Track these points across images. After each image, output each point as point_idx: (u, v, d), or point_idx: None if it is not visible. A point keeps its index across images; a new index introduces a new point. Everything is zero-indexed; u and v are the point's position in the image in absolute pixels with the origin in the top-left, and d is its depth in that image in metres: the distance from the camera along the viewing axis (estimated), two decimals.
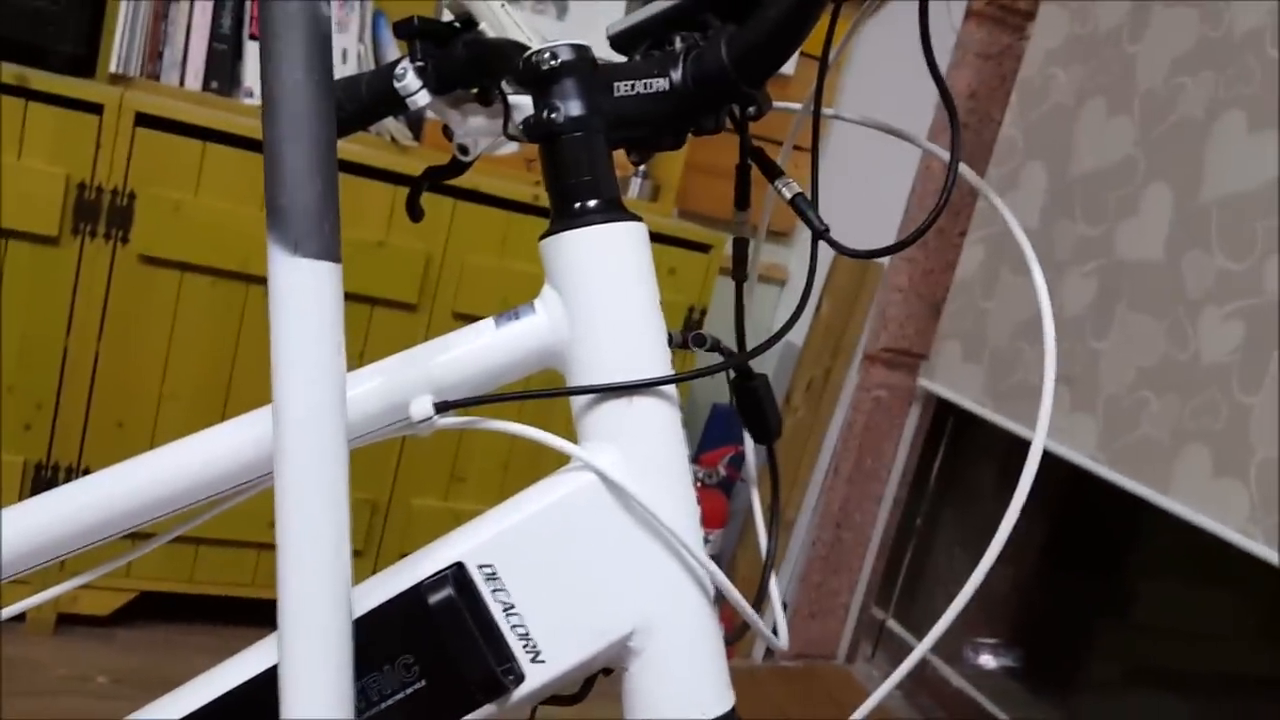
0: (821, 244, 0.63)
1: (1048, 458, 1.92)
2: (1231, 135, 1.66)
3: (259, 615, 1.93)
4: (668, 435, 0.57)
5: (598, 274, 0.57)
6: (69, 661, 1.75)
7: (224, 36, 1.80)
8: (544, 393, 0.58)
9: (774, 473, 0.70)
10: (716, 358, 0.63)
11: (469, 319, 1.91)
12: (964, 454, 2.30)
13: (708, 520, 2.33)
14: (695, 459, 2.47)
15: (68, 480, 1.73)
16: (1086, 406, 1.82)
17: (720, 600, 0.58)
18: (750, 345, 0.65)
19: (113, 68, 1.70)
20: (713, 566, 0.56)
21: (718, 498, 2.44)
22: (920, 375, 2.26)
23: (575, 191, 0.58)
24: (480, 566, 0.54)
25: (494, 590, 0.54)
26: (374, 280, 1.81)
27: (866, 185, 2.21)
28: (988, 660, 2.23)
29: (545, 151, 0.59)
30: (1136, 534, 2.01)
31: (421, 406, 0.56)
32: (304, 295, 0.45)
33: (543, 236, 0.59)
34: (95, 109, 1.61)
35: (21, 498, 1.70)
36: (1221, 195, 1.67)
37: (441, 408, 0.57)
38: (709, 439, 2.51)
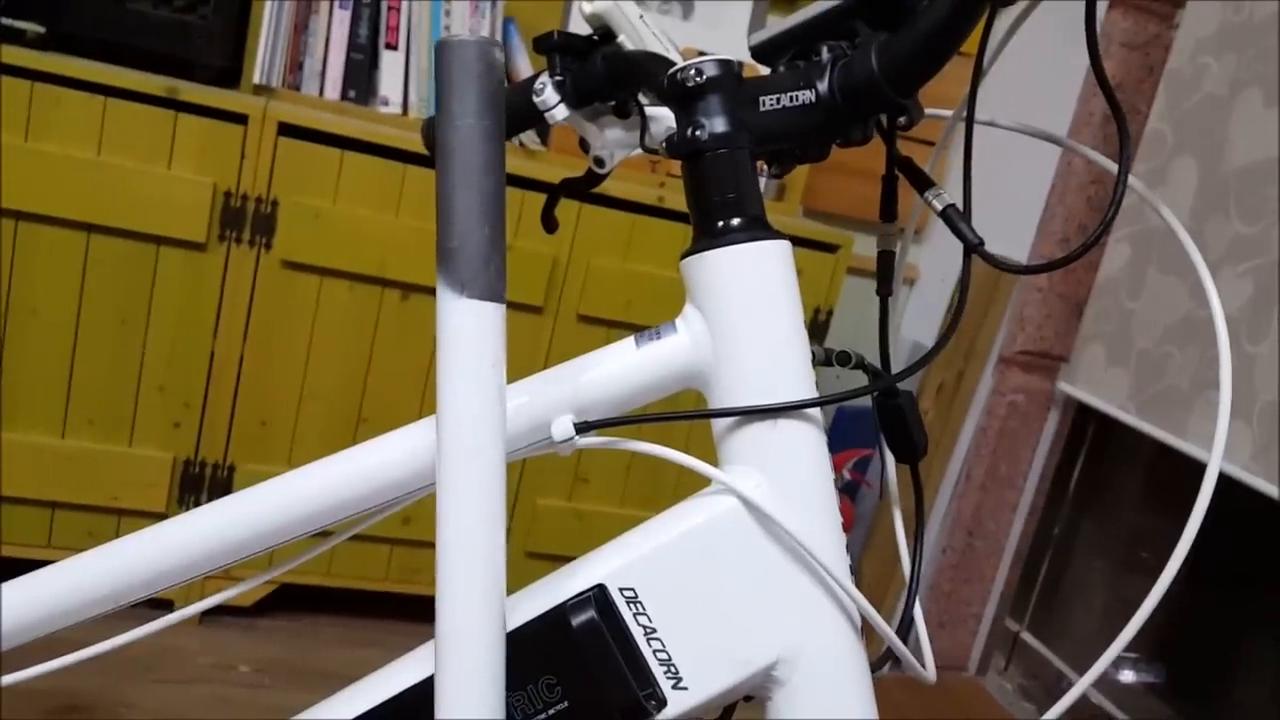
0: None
1: (1197, 466, 1.83)
2: None
3: (392, 607, 1.98)
4: (812, 459, 0.55)
5: (742, 294, 0.55)
6: (213, 650, 1.82)
7: (361, 47, 1.85)
8: (685, 414, 0.57)
9: (919, 493, 0.67)
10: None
11: (594, 321, 1.93)
12: (1105, 461, 2.20)
13: None
14: None
15: (214, 476, 1.80)
16: (1240, 414, 1.72)
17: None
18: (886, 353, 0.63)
19: (256, 79, 1.76)
20: (859, 596, 0.54)
21: (843, 503, 2.40)
22: (1060, 379, 2.18)
23: (719, 209, 0.57)
24: (622, 589, 0.54)
25: (636, 614, 0.54)
26: None
27: (999, 178, 2.14)
28: (1128, 675, 2.14)
29: (688, 168, 0.58)
30: None
31: (563, 426, 0.56)
32: (470, 334, 0.46)
33: (685, 255, 0.58)
34: (240, 119, 1.67)
35: (170, 493, 1.78)
36: None
37: (582, 428, 0.56)
38: (833, 442, 2.47)
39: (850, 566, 0.57)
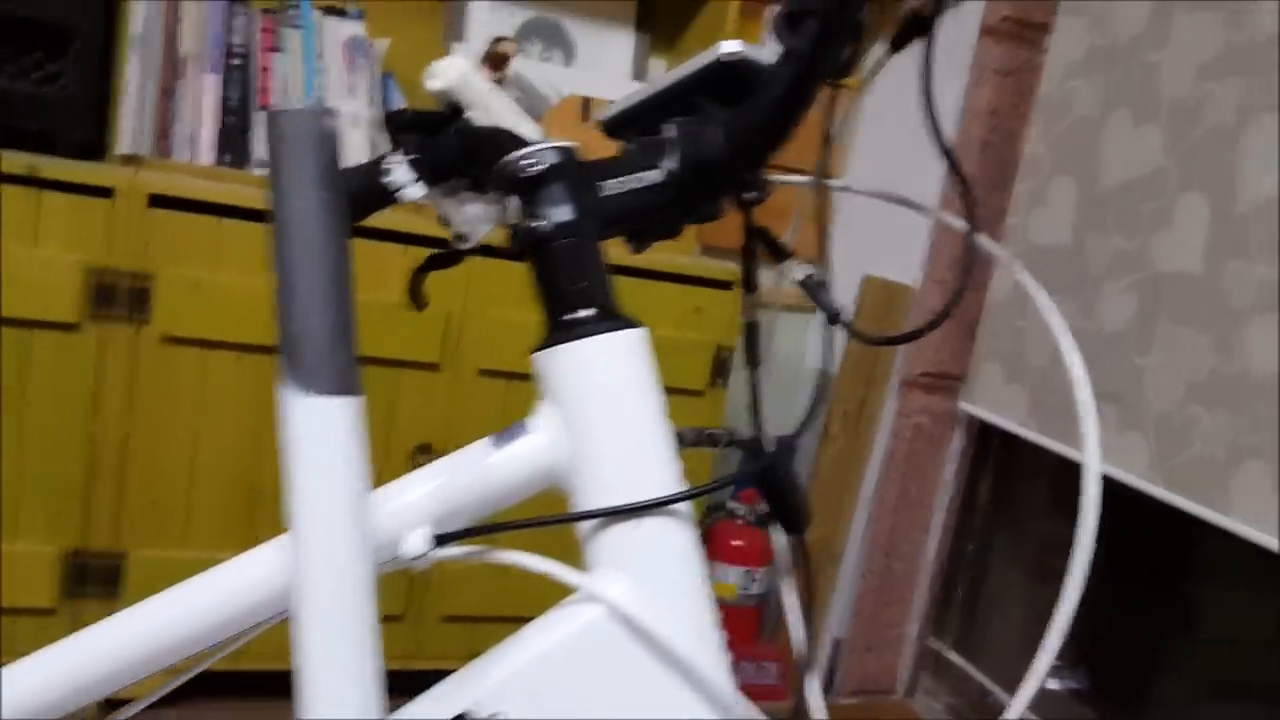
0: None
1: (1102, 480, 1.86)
2: (1265, 140, 1.60)
3: None
4: (682, 556, 0.53)
5: (596, 389, 0.53)
6: None
7: (232, 109, 1.79)
8: (542, 521, 0.54)
9: (806, 566, 0.66)
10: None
11: (495, 375, 1.89)
12: (1012, 476, 2.24)
13: (751, 558, 2.28)
14: (735, 495, 2.42)
15: (104, 566, 1.72)
16: (1136, 425, 1.75)
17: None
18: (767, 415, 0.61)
19: (124, 148, 1.70)
20: (741, 699, 0.52)
21: (759, 535, 2.39)
22: (961, 398, 2.20)
23: (569, 301, 0.54)
24: (488, 718, 0.51)
25: None
26: (395, 342, 1.79)
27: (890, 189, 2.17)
28: (1050, 683, 2.16)
29: (534, 260, 0.55)
30: (1193, 547, 1.94)
31: (417, 541, 0.53)
32: (319, 436, 0.42)
33: (535, 350, 0.55)
34: (106, 193, 1.60)
35: (59, 587, 1.69)
36: (1259, 202, 1.60)
37: (442, 539, 0.53)
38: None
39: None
